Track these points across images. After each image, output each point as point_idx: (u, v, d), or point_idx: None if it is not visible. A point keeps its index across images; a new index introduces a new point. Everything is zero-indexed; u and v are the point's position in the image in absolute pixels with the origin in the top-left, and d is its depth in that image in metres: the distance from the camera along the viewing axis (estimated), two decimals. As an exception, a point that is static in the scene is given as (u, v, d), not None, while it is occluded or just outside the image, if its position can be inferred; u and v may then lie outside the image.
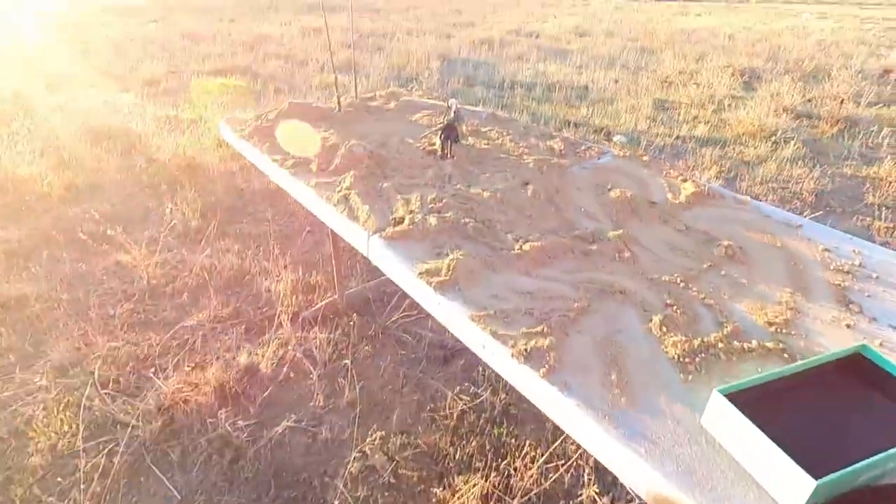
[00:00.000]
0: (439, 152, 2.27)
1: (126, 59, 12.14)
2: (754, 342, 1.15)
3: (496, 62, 13.01)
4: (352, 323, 3.10)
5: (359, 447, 2.33)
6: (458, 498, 2.01)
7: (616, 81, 10.79)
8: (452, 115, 2.24)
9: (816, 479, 0.72)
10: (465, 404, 2.52)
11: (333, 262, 3.17)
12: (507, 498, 2.05)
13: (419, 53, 13.02)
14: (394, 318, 3.21)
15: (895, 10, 28.00)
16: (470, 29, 19.18)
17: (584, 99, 9.61)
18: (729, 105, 8.98)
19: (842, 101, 8.68)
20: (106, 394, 2.54)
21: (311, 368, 2.75)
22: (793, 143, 7.10)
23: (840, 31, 18.46)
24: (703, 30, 19.42)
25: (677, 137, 7.58)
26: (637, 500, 1.98)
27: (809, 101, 8.98)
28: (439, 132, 2.24)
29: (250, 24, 17.13)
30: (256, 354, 2.83)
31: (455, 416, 2.49)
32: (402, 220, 1.66)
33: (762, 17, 24.73)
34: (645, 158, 2.26)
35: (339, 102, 2.92)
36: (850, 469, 0.74)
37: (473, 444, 2.35)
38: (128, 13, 21.11)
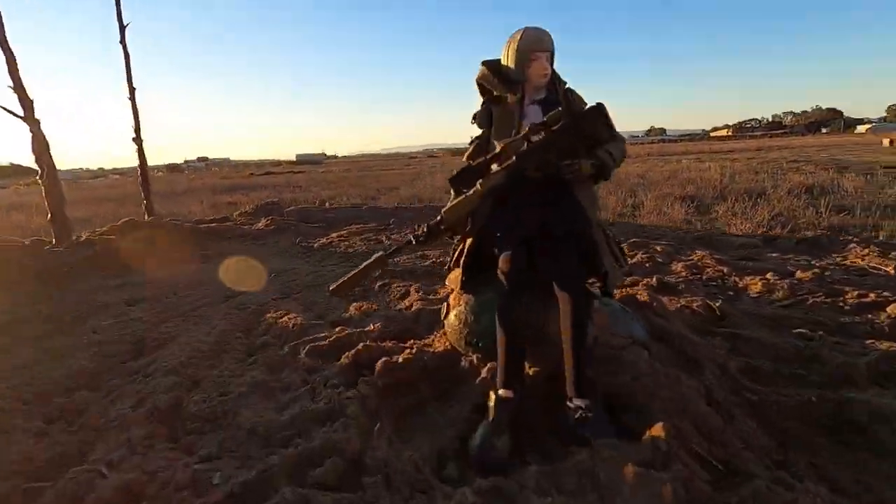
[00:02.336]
0: None
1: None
2: None
3: (433, 213, 11.15)
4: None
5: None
6: None
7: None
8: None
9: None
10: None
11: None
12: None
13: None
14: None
15: (751, 153, 31.50)
16: (395, 191, 18.12)
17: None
18: (704, 228, 7.35)
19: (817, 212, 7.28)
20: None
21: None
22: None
23: (726, 168, 19.27)
24: (615, 174, 19.60)
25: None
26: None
27: (778, 215, 7.50)
28: None
29: (164, 207, 14.81)
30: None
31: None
32: None
33: (650, 165, 26.56)
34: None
35: None
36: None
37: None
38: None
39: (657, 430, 1.35)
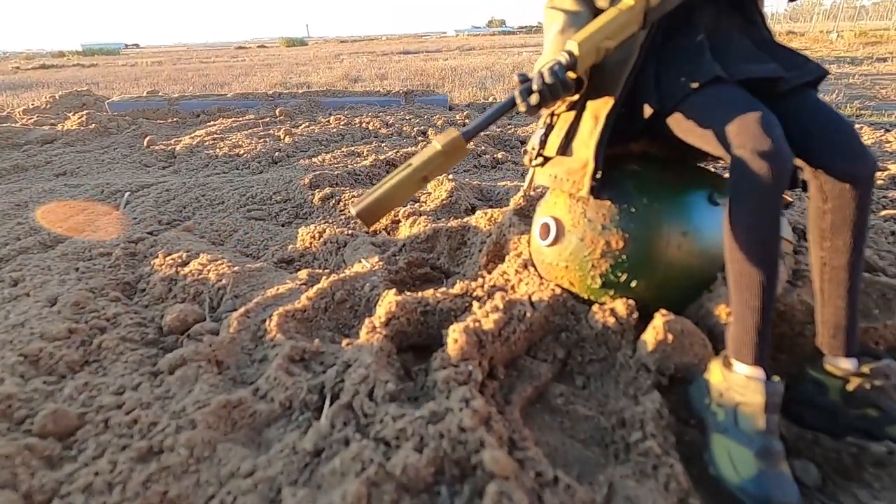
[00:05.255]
0: None
1: None
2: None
3: (324, 102, 9.21)
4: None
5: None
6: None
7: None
8: None
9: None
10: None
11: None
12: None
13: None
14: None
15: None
16: (224, 87, 14.94)
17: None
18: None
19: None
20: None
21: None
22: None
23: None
24: (461, 67, 18.78)
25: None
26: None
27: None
28: None
29: None
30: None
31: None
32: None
33: (495, 57, 26.19)
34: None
35: None
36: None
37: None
38: None
39: None
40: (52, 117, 4.42)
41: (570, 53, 0.90)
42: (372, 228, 1.73)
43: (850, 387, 0.87)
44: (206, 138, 3.27)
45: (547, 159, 1.11)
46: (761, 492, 0.73)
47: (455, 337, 0.98)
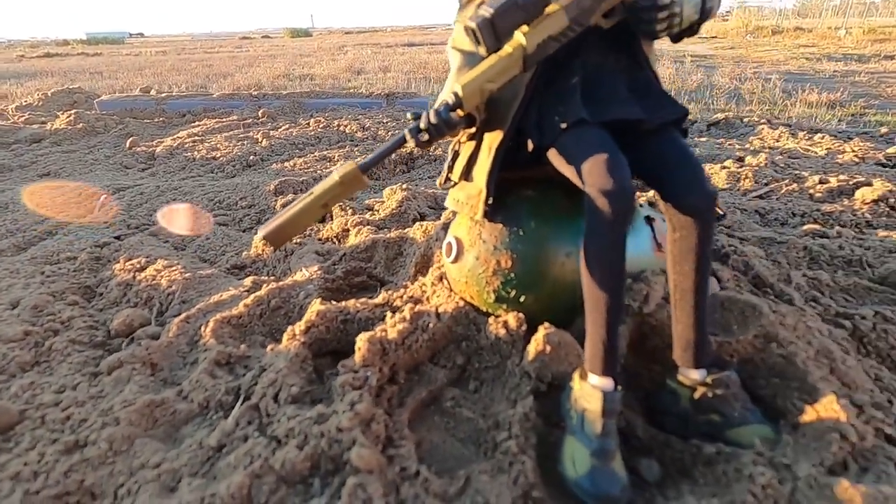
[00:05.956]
0: None
1: None
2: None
3: (311, 103, 9.30)
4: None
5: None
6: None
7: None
8: None
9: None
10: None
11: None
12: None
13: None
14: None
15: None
16: (228, 79, 15.04)
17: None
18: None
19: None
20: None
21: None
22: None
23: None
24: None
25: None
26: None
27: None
28: None
29: None
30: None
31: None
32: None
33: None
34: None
35: None
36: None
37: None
38: None
39: (830, 408, 0.92)
40: (43, 115, 4.55)
41: (456, 95, 1.00)
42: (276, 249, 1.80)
43: (697, 395, 0.98)
44: (186, 140, 3.39)
45: (456, 183, 1.22)
46: (591, 486, 0.85)
47: (359, 345, 1.10)
